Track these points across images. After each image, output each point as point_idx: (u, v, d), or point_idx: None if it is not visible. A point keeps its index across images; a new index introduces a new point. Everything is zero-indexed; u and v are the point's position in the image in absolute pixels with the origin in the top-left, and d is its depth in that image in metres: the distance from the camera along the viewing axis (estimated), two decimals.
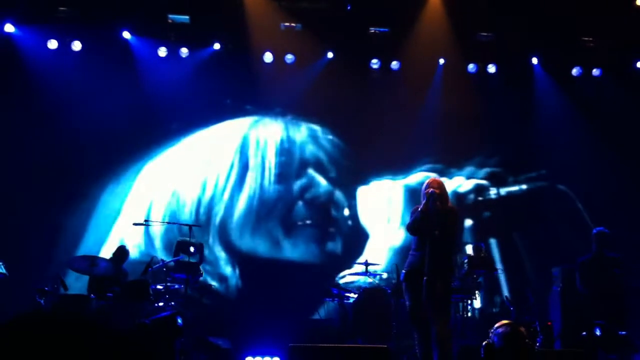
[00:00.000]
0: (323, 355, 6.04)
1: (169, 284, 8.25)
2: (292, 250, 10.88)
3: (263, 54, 11.04)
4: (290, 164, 11.28)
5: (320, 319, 9.06)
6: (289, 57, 11.11)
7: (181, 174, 11.04)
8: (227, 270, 10.74)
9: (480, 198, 11.48)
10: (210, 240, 10.78)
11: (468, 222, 11.26)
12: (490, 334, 3.67)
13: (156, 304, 7.96)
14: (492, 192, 11.52)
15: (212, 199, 10.99)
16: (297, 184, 11.20)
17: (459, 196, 11.20)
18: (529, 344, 3.61)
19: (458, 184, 11.38)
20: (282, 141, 11.35)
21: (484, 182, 11.51)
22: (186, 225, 8.48)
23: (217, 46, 11.00)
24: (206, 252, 10.39)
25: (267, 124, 11.40)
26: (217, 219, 10.91)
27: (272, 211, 11.02)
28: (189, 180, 11.04)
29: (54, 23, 10.41)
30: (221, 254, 10.76)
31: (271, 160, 11.28)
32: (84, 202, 10.56)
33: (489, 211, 11.44)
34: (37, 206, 10.00)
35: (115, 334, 1.32)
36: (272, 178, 11.19)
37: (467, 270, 8.67)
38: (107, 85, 10.53)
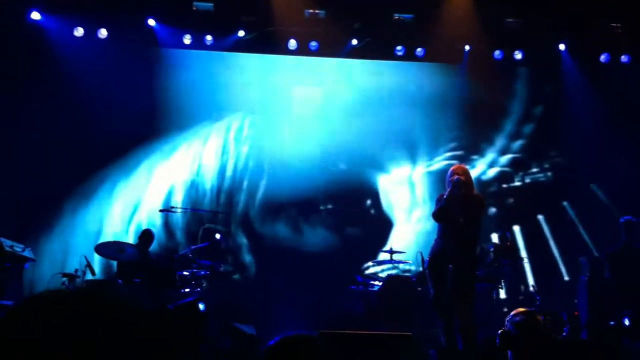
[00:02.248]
0: (350, 342, 6.07)
1: (194, 270, 8.32)
2: (314, 237, 10.89)
3: (287, 41, 11.02)
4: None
5: (344, 307, 9.08)
6: (313, 44, 11.07)
7: (200, 163, 11.09)
8: (249, 258, 10.79)
9: (504, 185, 11.39)
10: (233, 228, 10.84)
11: (492, 210, 11.18)
12: (507, 322, 3.66)
13: (182, 290, 8.04)
14: (517, 179, 11.43)
15: (231, 186, 11.02)
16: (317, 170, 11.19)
17: (482, 183, 11.13)
18: (545, 333, 3.58)
19: (481, 170, 11.30)
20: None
21: (507, 169, 11.41)
22: (212, 212, 8.52)
23: (241, 33, 11.00)
24: (229, 240, 10.50)
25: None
26: (239, 207, 10.94)
27: (292, 197, 11.03)
28: (208, 169, 11.08)
29: (80, 11, 10.46)
30: (243, 241, 10.82)
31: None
32: (108, 188, 10.66)
33: (513, 198, 11.35)
34: (64, 192, 10.11)
35: (138, 312, 1.32)
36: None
37: (492, 259, 8.63)
38: (132, 72, 10.58)
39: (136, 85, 10.59)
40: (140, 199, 10.77)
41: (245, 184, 11.03)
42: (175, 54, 11.04)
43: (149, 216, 10.54)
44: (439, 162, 11.29)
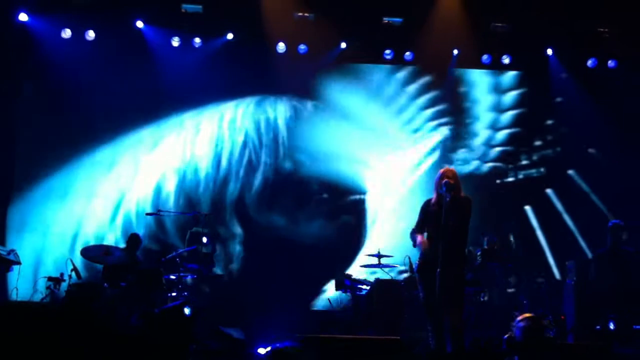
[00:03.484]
0: (338, 347, 6.03)
1: (181, 274, 8.28)
2: (307, 227, 10.92)
3: (276, 44, 11.00)
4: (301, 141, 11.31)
5: (333, 309, 9.05)
6: (302, 47, 11.07)
7: (193, 153, 11.12)
8: (240, 249, 10.81)
9: (497, 181, 11.46)
10: (227, 216, 10.88)
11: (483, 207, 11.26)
12: (512, 327, 3.66)
13: (169, 294, 7.99)
14: (510, 174, 11.48)
15: (227, 175, 11.04)
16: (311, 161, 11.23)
17: (475, 178, 11.21)
18: (550, 338, 3.59)
19: (474, 166, 11.34)
20: (290, 118, 11.38)
21: (499, 164, 11.48)
22: (199, 214, 8.48)
23: (230, 36, 10.97)
24: (221, 230, 10.53)
25: (277, 104, 11.45)
26: (234, 195, 11.00)
27: (287, 187, 11.09)
28: (202, 159, 11.11)
29: (68, 12, 10.40)
30: (237, 230, 10.84)
31: (284, 137, 11.31)
32: (95, 186, 10.65)
33: (506, 194, 11.42)
34: (51, 193, 10.05)
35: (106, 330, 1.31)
36: (285, 153, 11.24)
37: (480, 263, 8.64)
38: (120, 74, 10.53)
39: (123, 85, 10.53)
40: (125, 190, 10.75)
41: (240, 172, 11.05)
42: (163, 54, 10.97)
43: (139, 204, 10.58)
44: (426, 162, 11.35)
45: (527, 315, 3.78)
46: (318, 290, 9.41)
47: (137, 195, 10.80)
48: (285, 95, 11.39)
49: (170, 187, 10.91)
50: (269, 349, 2.20)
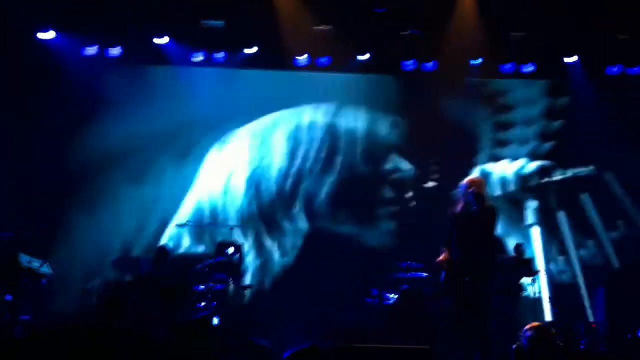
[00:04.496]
0: (367, 356, 6.03)
1: (210, 284, 8.32)
2: (372, 233, 10.99)
3: (297, 56, 11.09)
4: (374, 148, 11.44)
5: (360, 320, 9.04)
6: (323, 60, 11.14)
7: (265, 149, 11.34)
8: (299, 243, 10.95)
9: (545, 179, 11.40)
10: (297, 209, 11.02)
11: (533, 204, 11.25)
12: (520, 337, 3.65)
13: (197, 305, 8.03)
14: (558, 173, 11.41)
15: (300, 172, 11.25)
16: (384, 168, 11.37)
17: (524, 178, 11.28)
18: (558, 346, 3.57)
19: (521, 165, 11.36)
20: (367, 128, 11.53)
21: (546, 162, 11.44)
22: (228, 227, 8.54)
23: (252, 50, 11.06)
24: (285, 223, 10.75)
25: (350, 112, 11.59)
26: (305, 192, 11.17)
27: (359, 191, 11.22)
28: (275, 155, 11.30)
29: (92, 29, 10.55)
30: (303, 226, 11.00)
31: (358, 144, 11.45)
32: (132, 201, 10.75)
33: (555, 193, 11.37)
34: (80, 208, 10.14)
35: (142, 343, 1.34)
36: (359, 159, 11.35)
37: (508, 272, 8.60)
38: (144, 90, 10.65)
39: (149, 101, 10.64)
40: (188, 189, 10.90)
41: (314, 171, 11.27)
42: (185, 69, 11.10)
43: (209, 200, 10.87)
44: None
45: (535, 324, 3.76)
46: (358, 299, 9.40)
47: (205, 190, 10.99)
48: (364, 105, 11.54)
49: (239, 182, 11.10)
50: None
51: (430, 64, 11.24)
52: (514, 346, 3.65)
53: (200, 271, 8.48)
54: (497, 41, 10.89)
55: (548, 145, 11.52)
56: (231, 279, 8.35)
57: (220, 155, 11.28)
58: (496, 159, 11.43)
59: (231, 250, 8.44)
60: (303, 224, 11.07)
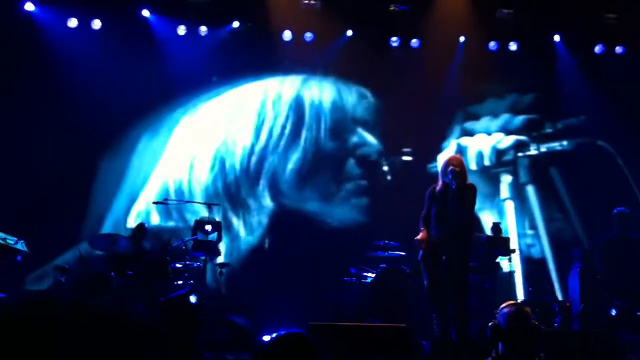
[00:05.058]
0: (344, 334, 6.07)
1: (187, 262, 8.31)
2: (339, 208, 10.85)
3: (282, 32, 10.98)
4: (342, 122, 11.26)
5: (337, 299, 9.05)
6: (308, 35, 11.04)
7: (230, 125, 11.08)
8: (264, 221, 10.79)
9: (520, 154, 11.37)
10: (260, 187, 10.87)
11: (507, 179, 11.25)
12: (496, 315, 3.68)
13: (175, 283, 8.03)
14: (532, 147, 11.39)
15: (265, 148, 11.04)
16: (350, 142, 11.21)
17: (499, 152, 11.21)
18: (534, 324, 3.62)
19: (497, 139, 11.31)
20: (334, 100, 11.27)
21: (523, 137, 11.37)
22: (204, 204, 8.50)
23: (236, 24, 10.95)
24: (250, 201, 10.57)
25: (318, 83, 11.34)
26: (270, 168, 10.97)
27: (324, 166, 11.04)
28: (240, 131, 11.06)
29: (73, 1, 10.41)
30: (268, 203, 10.85)
31: (326, 117, 11.25)
32: (111, 173, 10.62)
33: (528, 168, 11.34)
34: (60, 182, 10.02)
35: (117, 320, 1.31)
36: (326, 134, 11.17)
37: (485, 251, 8.63)
38: (126, 63, 10.51)
39: (131, 75, 10.50)
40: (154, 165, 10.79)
41: (279, 146, 11.05)
42: (169, 43, 10.94)
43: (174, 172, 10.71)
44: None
45: (511, 302, 3.80)
46: (332, 278, 9.33)
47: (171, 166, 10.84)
48: (329, 76, 11.28)
49: (205, 160, 10.91)
50: (274, 335, 2.22)
51: (415, 41, 11.15)
52: (490, 324, 3.67)
53: (177, 248, 8.47)
54: (482, 19, 10.83)
55: (522, 119, 11.45)
56: (208, 257, 8.33)
57: (187, 130, 11.06)
58: (468, 133, 11.32)
59: (209, 227, 8.41)
60: (268, 201, 10.91)
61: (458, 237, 6.63)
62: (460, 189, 6.59)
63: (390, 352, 5.94)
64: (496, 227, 8.91)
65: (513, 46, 11.18)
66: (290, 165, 11.03)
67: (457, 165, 6.66)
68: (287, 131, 11.14)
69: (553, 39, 11.21)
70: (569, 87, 11.31)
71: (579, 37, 11.14)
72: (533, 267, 10.36)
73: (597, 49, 11.17)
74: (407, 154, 11.31)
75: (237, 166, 10.96)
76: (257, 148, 11.05)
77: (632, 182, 10.87)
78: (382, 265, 8.79)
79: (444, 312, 6.63)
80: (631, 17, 10.60)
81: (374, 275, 8.75)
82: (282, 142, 11.10)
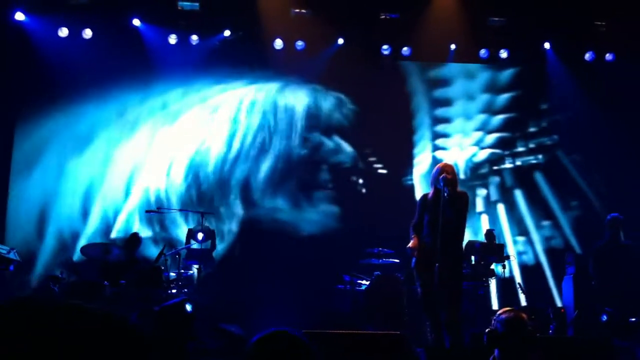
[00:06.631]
0: (338, 342, 6.04)
1: (181, 271, 8.28)
2: (312, 215, 10.83)
3: (273, 40, 11.00)
4: (316, 129, 11.27)
5: (331, 306, 9.05)
6: (299, 44, 11.06)
7: (204, 134, 11.09)
8: (235, 229, 10.75)
9: (495, 167, 11.41)
10: (232, 197, 10.85)
11: (482, 192, 11.28)
12: (493, 321, 3.69)
13: (169, 291, 8.00)
14: (507, 161, 11.44)
15: (237, 157, 11.02)
16: (323, 149, 11.21)
17: (474, 166, 11.22)
18: (531, 331, 3.63)
19: (472, 152, 11.33)
20: (308, 107, 11.27)
21: (497, 150, 11.43)
22: (197, 212, 8.49)
23: (227, 33, 10.96)
24: (222, 209, 10.57)
25: (294, 90, 11.33)
26: (241, 177, 10.96)
27: (296, 173, 11.04)
28: (213, 140, 11.07)
29: (64, 11, 10.39)
30: (239, 211, 10.81)
31: (298, 124, 11.25)
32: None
33: (504, 181, 11.40)
34: (51, 192, 10.00)
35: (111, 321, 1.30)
36: (299, 141, 11.18)
37: (478, 258, 8.65)
38: (118, 72, 10.50)
39: (122, 83, 10.49)
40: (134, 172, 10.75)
41: (250, 154, 11.05)
42: (160, 52, 10.94)
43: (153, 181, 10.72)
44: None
45: (508, 308, 3.81)
46: (317, 284, 9.29)
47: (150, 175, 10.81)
48: (308, 83, 11.27)
49: (180, 168, 10.90)
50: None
51: (405, 49, 11.19)
52: (487, 330, 3.67)
53: (171, 257, 8.44)
54: (474, 26, 10.89)
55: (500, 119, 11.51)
56: (201, 265, 8.30)
57: (165, 138, 11.06)
58: (438, 136, 11.41)
59: (200, 236, 8.39)
60: (239, 210, 10.87)
61: (450, 245, 6.62)
62: (452, 197, 6.59)
63: None
64: (490, 233, 8.93)
65: (504, 54, 11.24)
66: (262, 174, 11.03)
67: (449, 173, 6.66)
68: (259, 139, 11.15)
69: (543, 46, 11.28)
70: (559, 93, 11.39)
71: (570, 45, 11.21)
72: (526, 273, 10.40)
73: (588, 56, 11.25)
74: (381, 161, 11.36)
75: (211, 175, 10.94)
76: (230, 156, 11.06)
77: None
78: (376, 273, 8.79)
79: (438, 319, 6.62)
80: (621, 24, 10.69)
81: (368, 282, 8.74)
82: (253, 151, 11.11)
